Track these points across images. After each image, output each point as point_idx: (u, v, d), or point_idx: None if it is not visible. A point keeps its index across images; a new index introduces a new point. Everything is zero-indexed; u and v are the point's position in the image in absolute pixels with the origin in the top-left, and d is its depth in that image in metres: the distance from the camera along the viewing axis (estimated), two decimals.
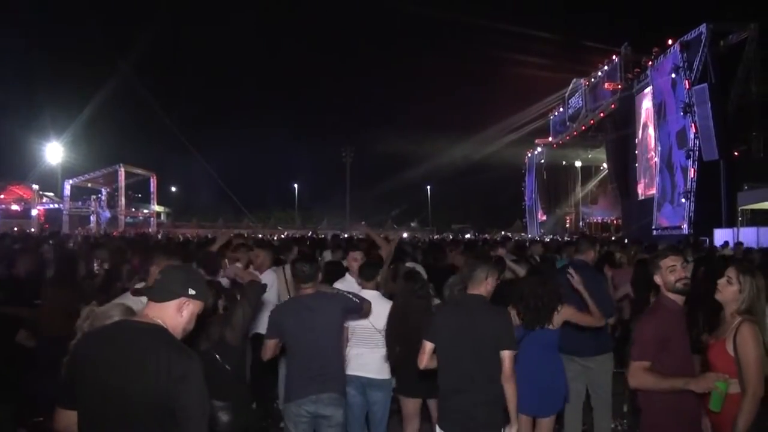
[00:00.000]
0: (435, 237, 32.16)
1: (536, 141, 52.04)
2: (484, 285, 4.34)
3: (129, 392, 2.53)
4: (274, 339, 4.76)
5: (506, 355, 4.08)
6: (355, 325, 5.18)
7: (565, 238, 29.25)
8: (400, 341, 5.13)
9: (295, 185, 70.82)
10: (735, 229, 20.16)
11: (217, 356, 4.28)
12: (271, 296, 7.00)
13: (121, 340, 2.65)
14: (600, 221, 47.31)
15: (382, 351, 5.35)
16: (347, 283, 6.09)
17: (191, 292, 2.80)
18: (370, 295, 5.49)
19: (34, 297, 6.37)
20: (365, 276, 5.69)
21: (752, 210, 23.64)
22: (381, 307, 5.39)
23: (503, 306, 4.95)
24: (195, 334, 3.04)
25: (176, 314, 2.78)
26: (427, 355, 4.32)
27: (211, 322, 4.36)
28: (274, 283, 7.06)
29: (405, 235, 33.83)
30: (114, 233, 31.45)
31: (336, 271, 7.06)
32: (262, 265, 7.16)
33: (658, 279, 3.91)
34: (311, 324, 4.67)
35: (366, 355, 5.31)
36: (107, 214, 50.52)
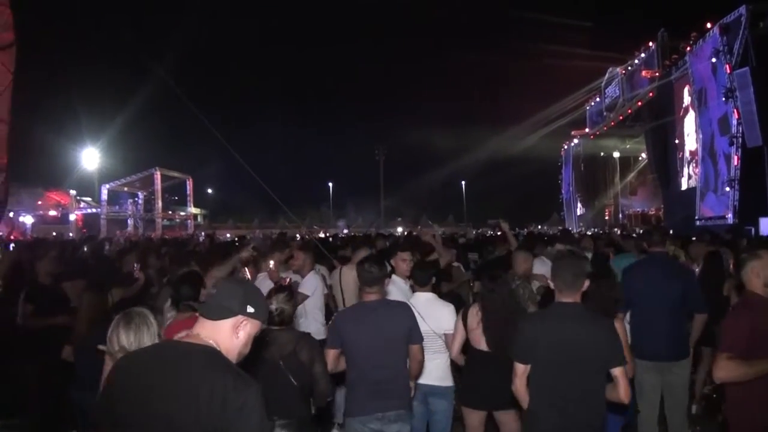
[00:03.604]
0: (475, 232, 31.65)
1: (572, 132, 51.33)
2: (580, 291, 3.81)
3: (177, 422, 2.24)
4: (336, 349, 4.44)
5: (619, 373, 3.60)
6: None
7: (608, 231, 28.55)
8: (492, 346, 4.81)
9: (330, 184, 70.97)
10: None
11: (286, 370, 3.97)
12: (316, 301, 6.79)
13: (169, 363, 2.35)
14: (640, 213, 46.43)
15: (444, 356, 5.09)
16: (395, 285, 5.80)
17: (249, 310, 2.49)
18: (425, 297, 5.26)
19: (65, 302, 6.22)
20: (419, 282, 5.41)
21: None
22: (440, 310, 5.15)
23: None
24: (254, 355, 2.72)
25: (232, 335, 2.47)
26: (521, 378, 3.83)
27: (283, 331, 4.11)
28: (317, 286, 6.85)
29: (441, 230, 33.49)
30: (152, 235, 31.68)
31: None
32: (303, 267, 6.93)
33: (746, 276, 3.81)
34: (376, 332, 4.34)
35: (427, 362, 4.90)
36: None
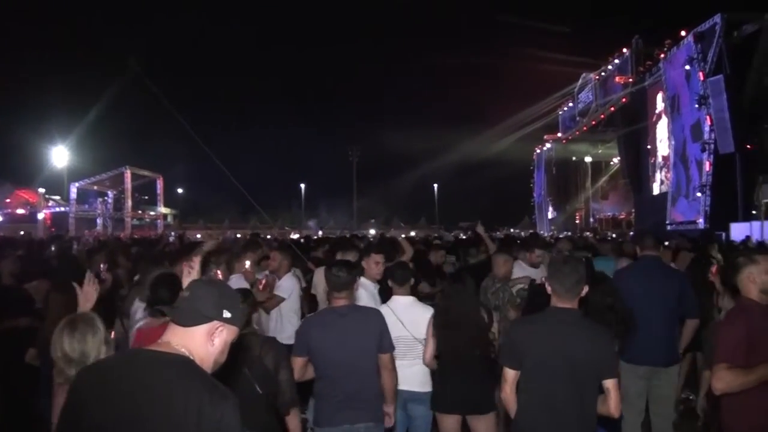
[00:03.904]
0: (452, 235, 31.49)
1: (545, 137, 51.63)
2: (579, 297, 3.59)
3: None
4: (302, 357, 4.19)
5: (611, 385, 3.41)
6: (393, 336, 4.58)
7: (585, 234, 28.59)
8: (444, 349, 4.65)
9: (302, 185, 70.63)
10: (761, 222, 19.59)
11: (251, 377, 3.67)
12: (292, 304, 6.58)
13: (139, 375, 2.11)
14: (611, 217, 46.84)
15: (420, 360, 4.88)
16: (363, 288, 5.58)
17: (226, 315, 2.25)
18: (405, 301, 5.04)
19: (29, 303, 5.97)
20: (398, 280, 5.11)
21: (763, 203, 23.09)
22: (419, 314, 4.93)
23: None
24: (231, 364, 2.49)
25: (206, 342, 2.23)
26: (510, 385, 3.61)
27: (246, 335, 3.74)
28: (294, 289, 6.62)
29: (413, 233, 33.38)
30: (121, 235, 31.25)
31: None
32: (279, 269, 6.71)
33: (741, 282, 3.67)
34: (344, 339, 4.11)
35: (406, 368, 4.77)
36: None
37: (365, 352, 4.17)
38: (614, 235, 25.20)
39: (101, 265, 7.48)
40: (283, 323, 6.46)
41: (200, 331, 2.23)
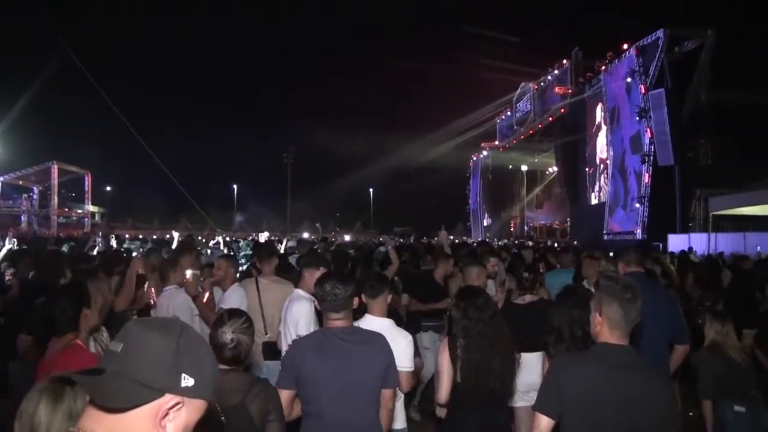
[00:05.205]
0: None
1: (482, 144, 52.01)
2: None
3: None
4: (290, 390, 3.37)
5: None
6: None
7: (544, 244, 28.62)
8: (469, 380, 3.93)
9: (234, 186, 69.27)
10: (708, 234, 19.87)
11: (230, 429, 2.73)
12: None
13: None
14: (545, 225, 47.48)
15: (400, 396, 4.11)
16: (305, 301, 4.88)
17: (186, 382, 1.34)
18: (380, 324, 4.08)
19: None
20: (371, 293, 4.18)
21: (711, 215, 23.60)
22: (396, 342, 3.87)
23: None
24: None
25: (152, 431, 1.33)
26: None
27: (233, 372, 2.98)
28: (242, 301, 5.72)
29: (348, 237, 32.81)
30: (47, 234, 29.89)
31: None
32: (225, 279, 5.83)
33: None
34: (344, 368, 3.34)
35: None
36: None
37: (368, 386, 3.42)
38: (555, 244, 25.36)
39: (7, 270, 6.75)
40: None
41: (143, 413, 1.32)
